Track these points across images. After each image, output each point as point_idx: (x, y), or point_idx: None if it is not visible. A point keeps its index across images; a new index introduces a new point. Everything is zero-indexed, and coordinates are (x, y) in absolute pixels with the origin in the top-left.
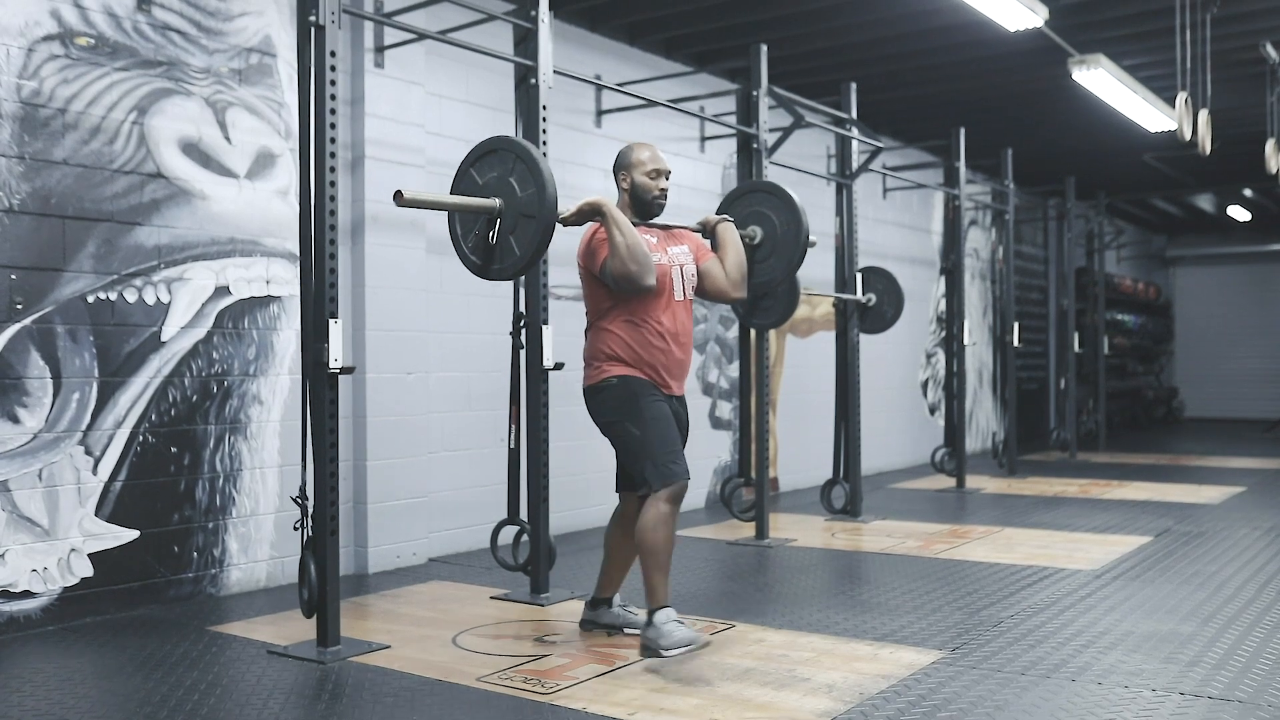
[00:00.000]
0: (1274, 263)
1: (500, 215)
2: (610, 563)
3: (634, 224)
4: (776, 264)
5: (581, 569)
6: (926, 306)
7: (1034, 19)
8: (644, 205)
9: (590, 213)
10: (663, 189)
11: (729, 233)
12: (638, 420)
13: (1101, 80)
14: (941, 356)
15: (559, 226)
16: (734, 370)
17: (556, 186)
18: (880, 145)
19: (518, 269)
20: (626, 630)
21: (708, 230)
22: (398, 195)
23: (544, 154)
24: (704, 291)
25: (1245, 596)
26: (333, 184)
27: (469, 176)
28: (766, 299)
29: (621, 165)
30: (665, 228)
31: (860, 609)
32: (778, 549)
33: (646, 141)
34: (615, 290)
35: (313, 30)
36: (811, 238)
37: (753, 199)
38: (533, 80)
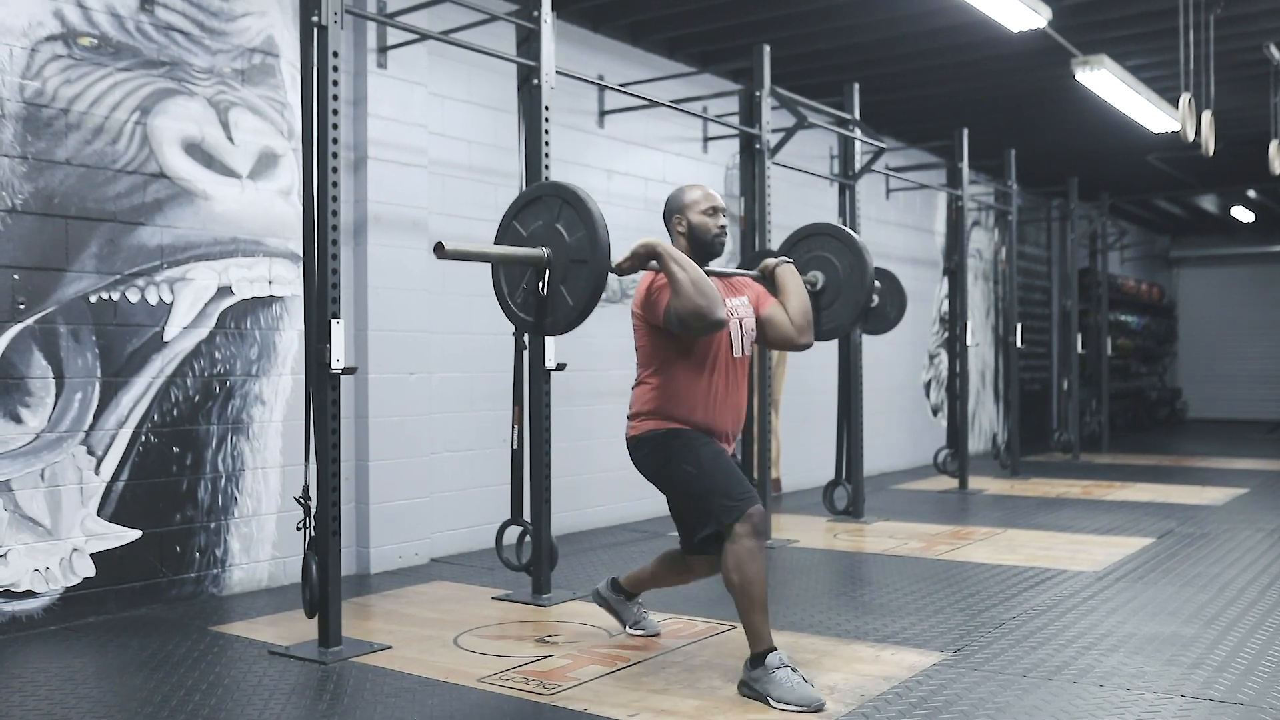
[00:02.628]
0: (1278, 264)
1: (549, 265)
2: (650, 575)
3: None
4: (841, 310)
5: (583, 570)
6: (929, 307)
7: (1037, 19)
8: (704, 246)
9: (646, 255)
10: (721, 226)
11: (790, 276)
12: (691, 458)
13: (1105, 81)
14: (944, 357)
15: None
16: None
17: (609, 228)
18: (883, 146)
19: (571, 321)
20: (631, 629)
21: (767, 274)
22: (438, 247)
23: (547, 156)
24: (767, 339)
25: (1248, 598)
26: (335, 184)
27: (512, 230)
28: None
29: (674, 209)
30: (723, 275)
31: (862, 610)
32: (780, 550)
33: (693, 182)
34: (682, 335)
35: (315, 30)
36: (876, 282)
37: (813, 243)
38: (535, 81)
